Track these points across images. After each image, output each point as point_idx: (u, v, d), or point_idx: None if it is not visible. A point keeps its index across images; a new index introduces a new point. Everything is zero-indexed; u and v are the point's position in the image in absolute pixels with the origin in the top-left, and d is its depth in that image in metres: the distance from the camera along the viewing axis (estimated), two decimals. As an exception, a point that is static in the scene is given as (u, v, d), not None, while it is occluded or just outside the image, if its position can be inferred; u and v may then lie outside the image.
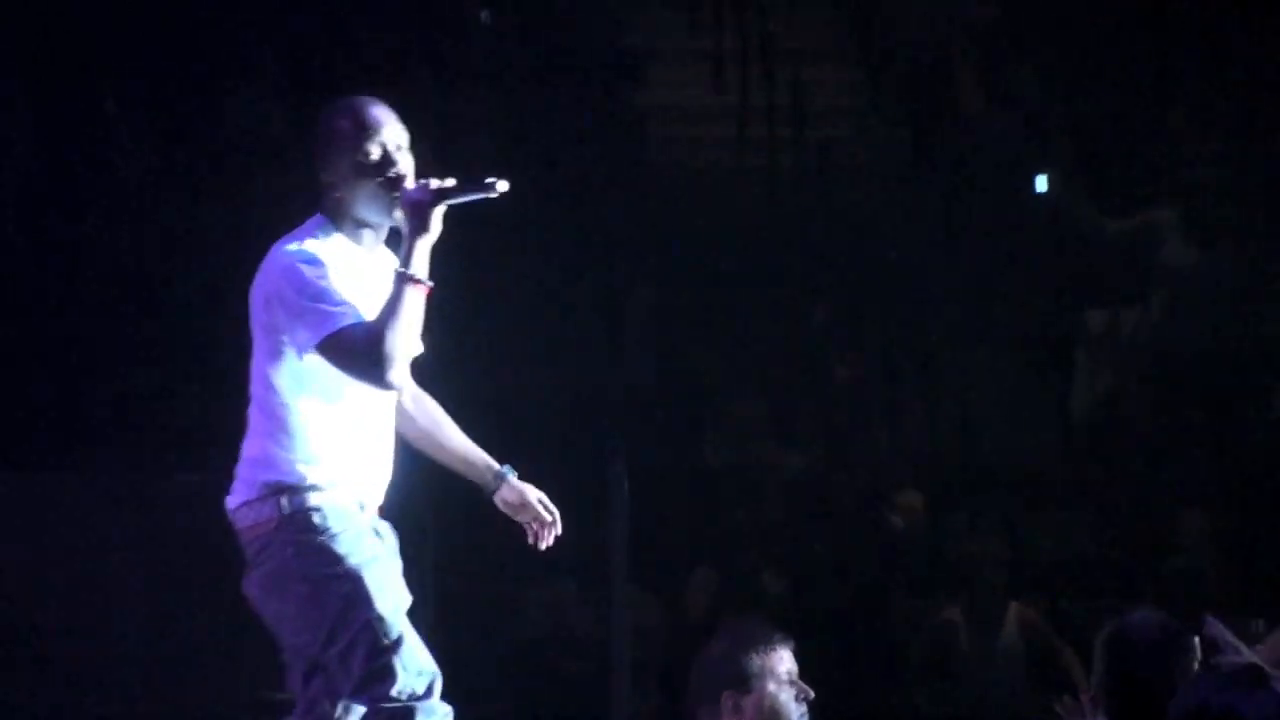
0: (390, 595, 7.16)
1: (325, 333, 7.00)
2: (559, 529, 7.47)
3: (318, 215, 7.23)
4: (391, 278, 7.18)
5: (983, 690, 12.44)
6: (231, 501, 7.19)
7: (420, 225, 7.02)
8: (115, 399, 13.40)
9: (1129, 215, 13.43)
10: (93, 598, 12.17)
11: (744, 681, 8.38)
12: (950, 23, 14.14)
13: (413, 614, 11.44)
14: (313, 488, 7.27)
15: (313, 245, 7.20)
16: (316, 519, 7.24)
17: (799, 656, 7.80)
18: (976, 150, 13.19)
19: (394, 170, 7.08)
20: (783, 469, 13.12)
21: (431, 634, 11.35)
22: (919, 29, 14.38)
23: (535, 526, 7.53)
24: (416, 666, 7.17)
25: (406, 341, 7.11)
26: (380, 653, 7.12)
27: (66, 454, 13.17)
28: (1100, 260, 13.18)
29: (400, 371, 7.14)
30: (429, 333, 9.89)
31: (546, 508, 7.48)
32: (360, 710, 7.05)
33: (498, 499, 7.53)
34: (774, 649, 8.64)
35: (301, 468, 7.28)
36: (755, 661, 8.50)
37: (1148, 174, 13.90)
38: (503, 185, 6.89)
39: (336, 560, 7.17)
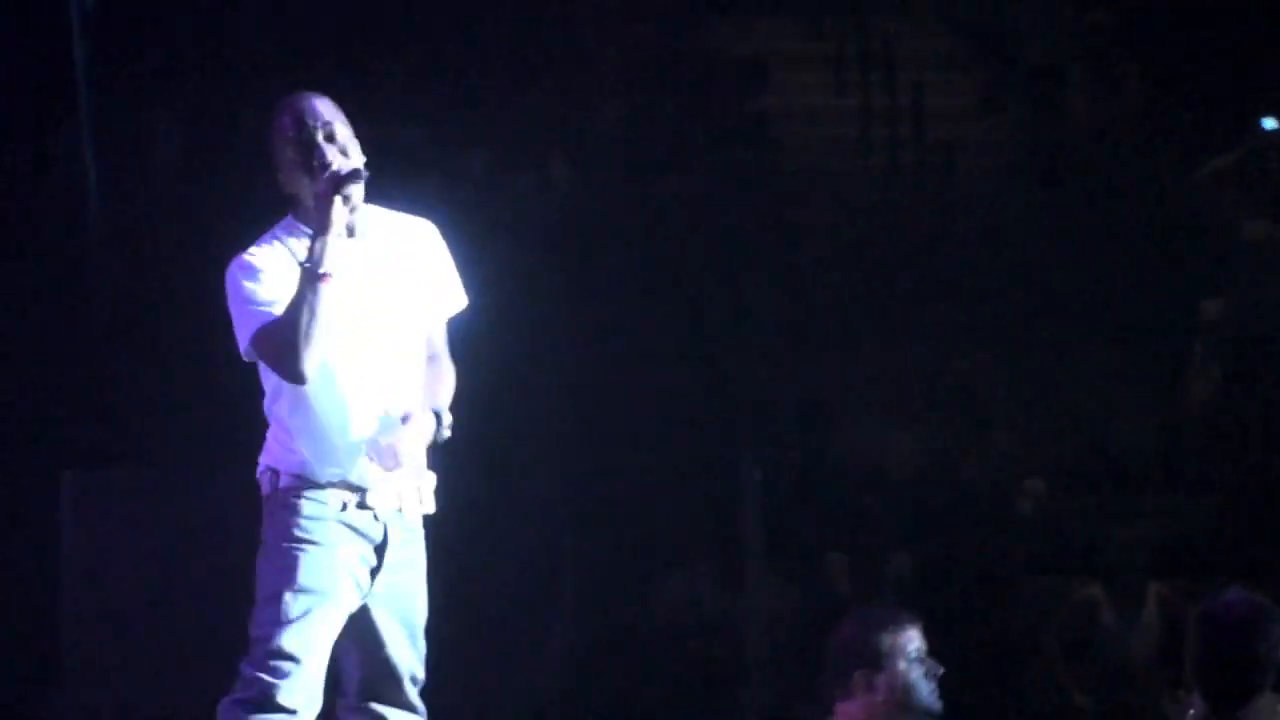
0: (314, 586, 7.10)
1: (249, 334, 6.97)
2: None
3: (288, 215, 7.16)
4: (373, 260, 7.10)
5: (1122, 668, 11.95)
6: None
7: (322, 218, 6.92)
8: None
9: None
10: (227, 588, 12.01)
11: (876, 660, 8.25)
12: (1065, 26, 13.70)
13: (552, 599, 12.22)
14: (293, 475, 7.18)
15: (256, 251, 7.15)
16: (291, 503, 7.15)
17: (927, 636, 7.87)
18: (1090, 148, 12.65)
19: (318, 160, 6.97)
20: (910, 459, 12.59)
21: (574, 618, 11.96)
22: (1035, 32, 13.79)
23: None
24: (278, 649, 7.07)
25: (310, 334, 7.04)
26: (264, 627, 7.08)
27: (205, 450, 12.73)
28: (1222, 253, 12.64)
29: (309, 362, 7.05)
30: (581, 340, 12.18)
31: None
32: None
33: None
34: (904, 629, 8.59)
35: (284, 455, 7.22)
36: (886, 641, 8.36)
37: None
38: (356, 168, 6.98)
39: (290, 542, 7.10)
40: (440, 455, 8.91)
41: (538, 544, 12.17)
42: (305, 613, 7.00)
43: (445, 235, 11.74)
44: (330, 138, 7.00)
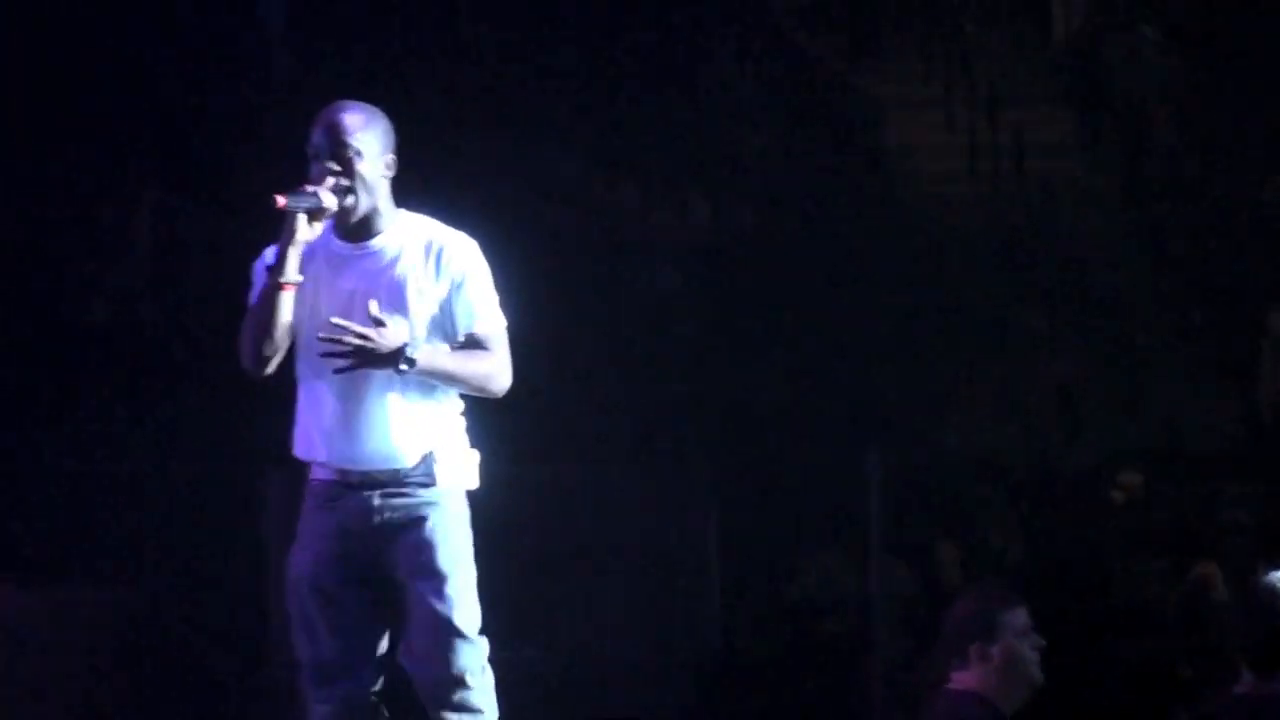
0: (295, 572, 7.05)
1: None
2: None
3: None
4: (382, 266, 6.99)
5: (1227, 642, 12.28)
6: None
7: (286, 230, 6.79)
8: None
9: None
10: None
11: (989, 634, 8.53)
12: (1150, 69, 13.82)
13: (695, 579, 12.27)
14: (304, 463, 7.08)
15: (267, 253, 7.11)
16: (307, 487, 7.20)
17: (1032, 614, 8.30)
18: (1169, 176, 12.94)
19: (312, 172, 6.91)
20: (1015, 454, 12.82)
21: (722, 595, 12.24)
22: (1124, 75, 13.89)
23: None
24: (303, 649, 7.01)
25: (260, 333, 6.90)
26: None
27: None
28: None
29: (258, 357, 6.91)
30: (726, 352, 12.35)
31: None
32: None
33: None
34: (1014, 606, 8.88)
35: (296, 445, 7.18)
36: (999, 617, 8.68)
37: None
38: (328, 199, 6.84)
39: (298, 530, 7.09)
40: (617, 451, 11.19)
41: (692, 528, 12.20)
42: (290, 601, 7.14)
43: (601, 260, 13.61)
44: (318, 157, 6.87)
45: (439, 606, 6.80)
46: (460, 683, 6.85)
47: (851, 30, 14.88)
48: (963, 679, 8.57)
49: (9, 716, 11.18)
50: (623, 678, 12.17)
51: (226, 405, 12.22)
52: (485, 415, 7.94)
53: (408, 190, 7.26)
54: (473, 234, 7.39)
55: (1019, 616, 8.69)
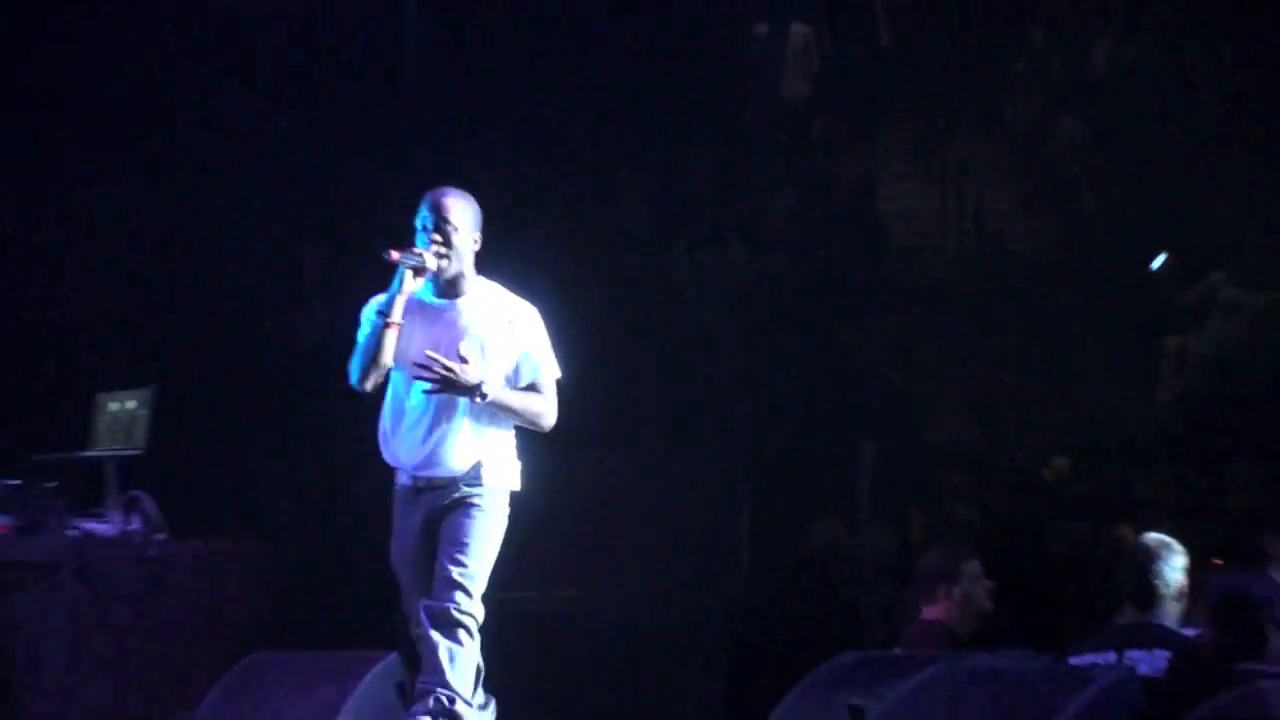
0: (395, 558, 8.42)
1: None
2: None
3: None
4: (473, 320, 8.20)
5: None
6: None
7: (397, 280, 8.06)
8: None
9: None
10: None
11: (952, 578, 9.96)
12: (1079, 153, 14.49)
13: (729, 539, 13.02)
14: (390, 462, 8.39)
15: (375, 300, 8.23)
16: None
17: (984, 564, 9.99)
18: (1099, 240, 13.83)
19: (419, 240, 8.14)
20: (977, 444, 13.71)
21: (751, 551, 13.03)
22: (1062, 152, 14.66)
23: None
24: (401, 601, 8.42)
25: (367, 359, 8.13)
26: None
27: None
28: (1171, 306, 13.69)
29: (363, 379, 8.19)
30: (755, 370, 12.57)
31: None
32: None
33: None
34: (970, 557, 10.25)
35: (384, 453, 8.41)
36: (959, 565, 10.06)
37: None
38: (430, 261, 8.05)
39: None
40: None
41: (724, 495, 13.04)
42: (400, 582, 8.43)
43: (657, 299, 13.74)
44: (425, 229, 8.11)
45: (456, 560, 8.20)
46: (451, 620, 8.26)
47: (850, 119, 15.10)
48: (931, 612, 9.86)
49: (190, 641, 11.42)
50: (668, 617, 12.80)
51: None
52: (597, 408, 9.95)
53: (508, 239, 8.90)
54: (559, 272, 8.65)
55: (974, 565, 9.94)
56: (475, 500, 8.36)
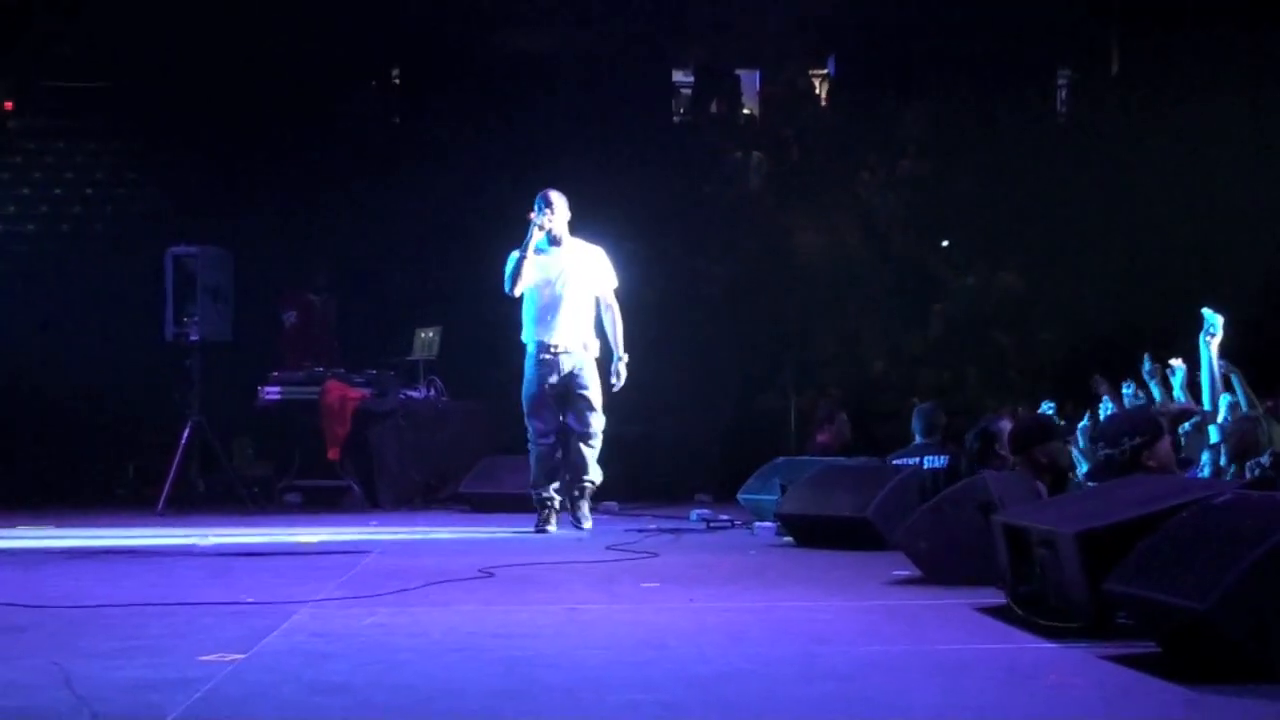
0: (530, 395, 10.27)
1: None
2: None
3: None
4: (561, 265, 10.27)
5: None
6: None
7: (530, 233, 10.04)
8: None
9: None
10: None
11: (831, 420, 12.53)
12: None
13: (722, 401, 14.14)
14: (527, 341, 10.35)
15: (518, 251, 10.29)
16: (527, 358, 10.37)
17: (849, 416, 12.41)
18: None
19: (537, 216, 10.16)
20: (839, 358, 15.16)
21: (734, 407, 14.08)
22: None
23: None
24: (530, 423, 10.36)
25: (517, 278, 9.91)
26: (525, 408, 10.45)
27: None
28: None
29: (514, 289, 10.01)
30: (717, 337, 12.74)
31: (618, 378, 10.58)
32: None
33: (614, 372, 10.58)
34: (841, 410, 12.63)
35: (525, 334, 10.29)
36: (835, 413, 12.55)
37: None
38: (545, 223, 9.93)
39: (524, 379, 10.45)
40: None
41: (720, 380, 14.18)
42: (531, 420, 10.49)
43: (670, 287, 13.65)
44: (539, 210, 10.03)
45: (587, 398, 10.17)
46: (590, 434, 10.29)
47: (780, 189, 16.66)
48: (823, 437, 12.36)
49: (456, 449, 13.14)
50: (689, 437, 13.82)
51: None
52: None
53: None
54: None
55: (843, 415, 12.31)
56: (585, 365, 10.17)
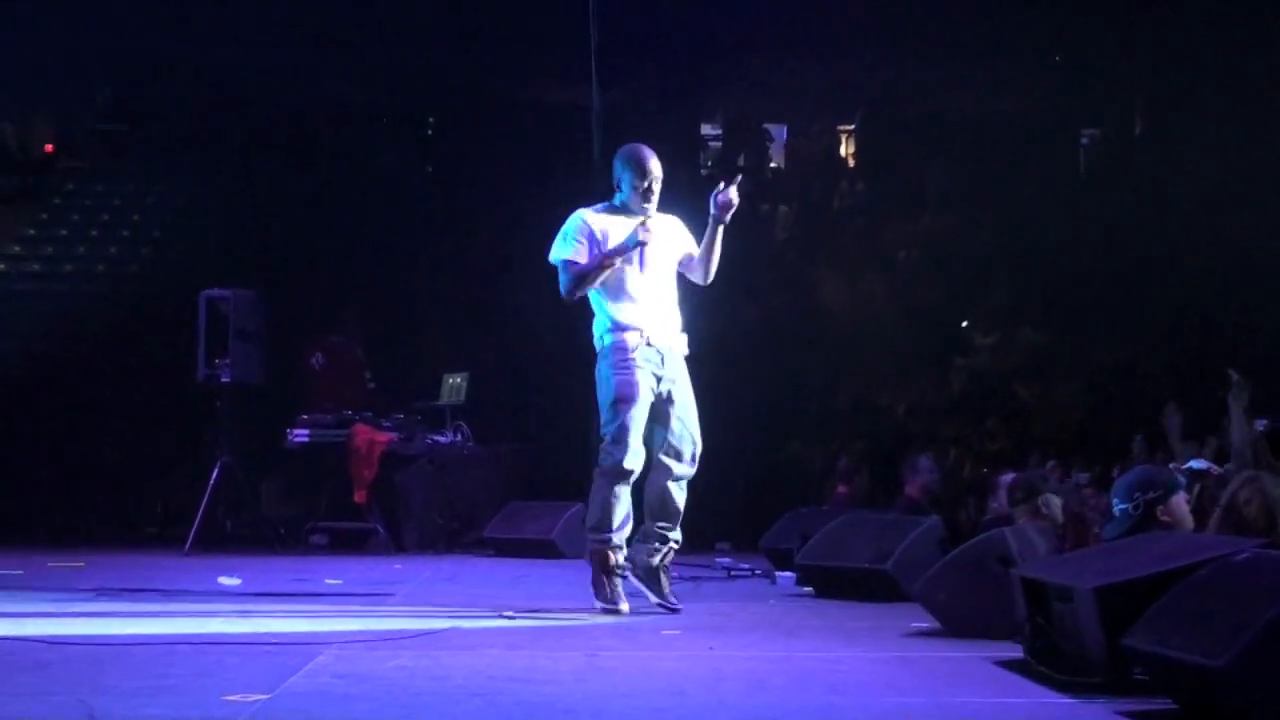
0: (632, 402, 7.75)
1: (562, 259, 7.80)
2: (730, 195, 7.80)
3: (609, 201, 7.88)
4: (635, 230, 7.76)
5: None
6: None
7: (624, 246, 7.72)
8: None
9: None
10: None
11: (854, 474, 12.48)
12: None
13: (744, 454, 13.79)
14: (612, 331, 7.88)
15: (589, 216, 7.83)
16: (613, 351, 7.82)
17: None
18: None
19: (643, 202, 7.75)
20: (868, 409, 15.12)
21: (753, 457, 13.86)
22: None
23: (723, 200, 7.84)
24: (621, 439, 7.70)
25: (585, 287, 7.68)
26: (610, 426, 7.77)
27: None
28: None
29: (576, 297, 7.79)
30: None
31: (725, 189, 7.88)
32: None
33: (719, 207, 7.74)
34: (863, 467, 12.51)
35: (607, 322, 7.92)
36: (859, 466, 12.45)
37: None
38: (645, 236, 7.67)
39: (612, 381, 7.81)
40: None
41: (742, 429, 13.69)
42: (627, 425, 7.75)
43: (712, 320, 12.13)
44: (650, 189, 7.70)
45: (686, 420, 7.92)
46: (687, 472, 8.07)
47: (806, 241, 16.76)
48: (842, 491, 12.03)
49: (482, 494, 13.20)
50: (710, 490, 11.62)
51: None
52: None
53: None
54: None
55: (864, 471, 12.02)
56: (682, 365, 7.89)
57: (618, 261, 7.65)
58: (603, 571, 7.88)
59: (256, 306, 13.16)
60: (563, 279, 7.79)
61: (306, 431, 13.27)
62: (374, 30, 15.71)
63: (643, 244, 7.60)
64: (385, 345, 14.38)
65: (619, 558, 7.84)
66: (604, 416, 7.74)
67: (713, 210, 7.66)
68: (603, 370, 7.78)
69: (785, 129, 18.54)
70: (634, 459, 7.79)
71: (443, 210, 15.85)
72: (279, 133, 16.08)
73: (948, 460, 13.05)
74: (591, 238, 7.73)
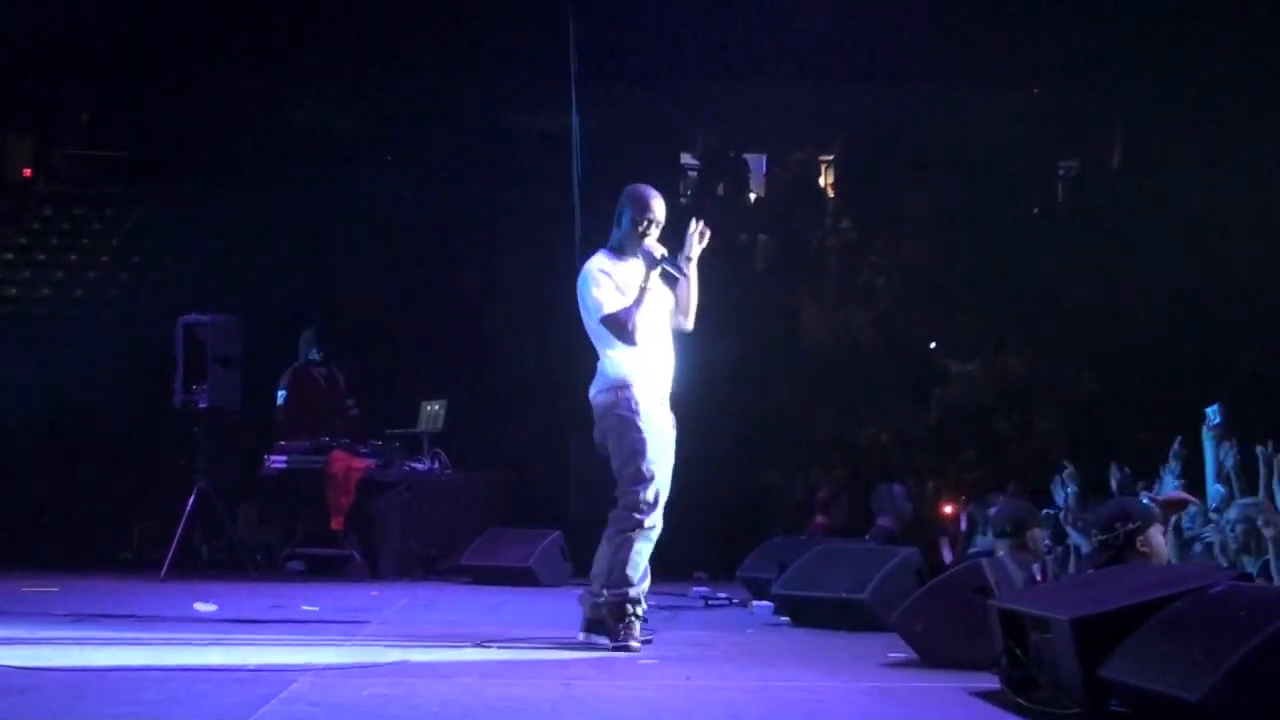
0: (658, 456, 7.70)
1: (601, 314, 7.68)
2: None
3: (608, 246, 7.82)
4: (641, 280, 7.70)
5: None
6: (591, 392, 7.88)
7: (645, 278, 7.68)
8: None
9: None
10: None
11: (833, 503, 12.61)
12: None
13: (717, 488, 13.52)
14: (630, 385, 7.75)
15: (606, 265, 7.74)
16: (633, 404, 7.72)
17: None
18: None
19: (644, 244, 7.67)
20: (844, 437, 14.95)
21: (729, 490, 13.64)
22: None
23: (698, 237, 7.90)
24: (651, 497, 7.64)
25: (641, 319, 7.62)
26: (637, 480, 7.68)
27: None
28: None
29: (641, 334, 7.62)
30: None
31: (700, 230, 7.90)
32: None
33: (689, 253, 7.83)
34: (841, 494, 12.55)
35: (623, 375, 7.77)
36: (838, 495, 12.60)
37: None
38: (686, 271, 7.70)
39: (639, 429, 7.69)
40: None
41: (713, 464, 13.14)
42: (653, 474, 7.72)
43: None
44: (649, 231, 7.66)
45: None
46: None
47: (786, 271, 16.78)
48: (821, 520, 12.07)
49: (460, 521, 13.07)
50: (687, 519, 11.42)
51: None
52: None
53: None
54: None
55: (843, 499, 12.22)
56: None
57: (650, 285, 7.59)
58: (619, 620, 7.69)
59: (234, 332, 13.02)
60: (615, 330, 7.61)
61: (284, 458, 13.25)
62: (354, 55, 15.70)
63: (663, 261, 7.56)
64: (364, 372, 14.20)
65: (638, 610, 7.71)
66: (628, 472, 7.60)
67: (687, 252, 7.62)
68: (622, 421, 7.63)
69: (764, 158, 18.36)
70: (653, 506, 7.70)
71: (422, 237, 15.73)
72: (259, 158, 15.82)
73: (926, 490, 13.10)
74: (613, 279, 7.71)
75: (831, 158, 18.10)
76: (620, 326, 7.61)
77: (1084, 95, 16.36)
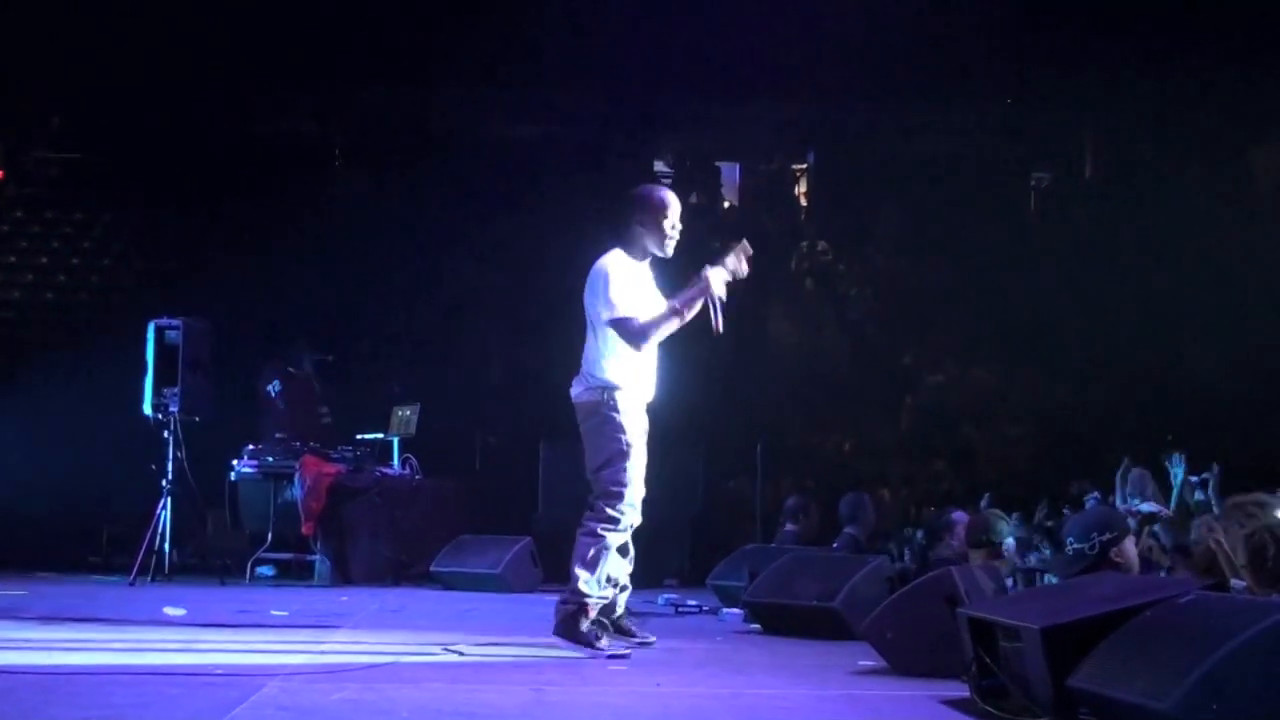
0: (637, 460, 7.69)
1: (616, 315, 7.60)
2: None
3: (621, 246, 7.73)
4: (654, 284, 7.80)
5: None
6: (574, 391, 7.81)
7: (694, 296, 7.59)
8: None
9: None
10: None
11: (805, 512, 12.04)
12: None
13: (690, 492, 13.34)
14: (617, 387, 7.73)
15: (624, 262, 7.63)
16: (619, 407, 7.71)
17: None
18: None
19: (669, 244, 7.70)
20: (814, 446, 15.18)
21: (703, 493, 13.74)
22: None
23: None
24: (630, 498, 7.64)
25: (660, 334, 7.62)
26: (617, 483, 7.66)
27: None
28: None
29: (652, 344, 7.64)
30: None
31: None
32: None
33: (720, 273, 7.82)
34: (814, 503, 12.06)
35: (613, 378, 7.75)
36: (809, 505, 12.05)
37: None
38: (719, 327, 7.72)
39: (623, 431, 7.67)
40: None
41: (689, 471, 13.65)
42: (630, 478, 7.70)
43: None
44: (674, 233, 7.68)
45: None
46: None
47: (762, 290, 16.18)
48: (791, 529, 11.73)
49: (430, 527, 13.02)
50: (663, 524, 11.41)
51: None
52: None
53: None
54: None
55: (814, 508, 11.70)
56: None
57: (688, 315, 7.56)
58: (587, 622, 7.64)
59: (205, 336, 13.00)
60: (628, 335, 7.54)
61: (254, 463, 13.22)
62: (327, 63, 15.60)
63: (712, 300, 7.53)
64: (335, 377, 14.14)
65: (615, 613, 7.82)
66: (608, 473, 7.59)
67: (725, 264, 7.53)
68: (606, 422, 7.61)
69: (738, 167, 18.30)
70: (627, 507, 7.70)
71: (395, 243, 15.70)
72: (231, 163, 15.76)
73: (898, 498, 13.25)
74: (632, 281, 7.65)
75: (805, 167, 17.96)
76: (637, 334, 7.55)
77: (1056, 107, 16.35)
